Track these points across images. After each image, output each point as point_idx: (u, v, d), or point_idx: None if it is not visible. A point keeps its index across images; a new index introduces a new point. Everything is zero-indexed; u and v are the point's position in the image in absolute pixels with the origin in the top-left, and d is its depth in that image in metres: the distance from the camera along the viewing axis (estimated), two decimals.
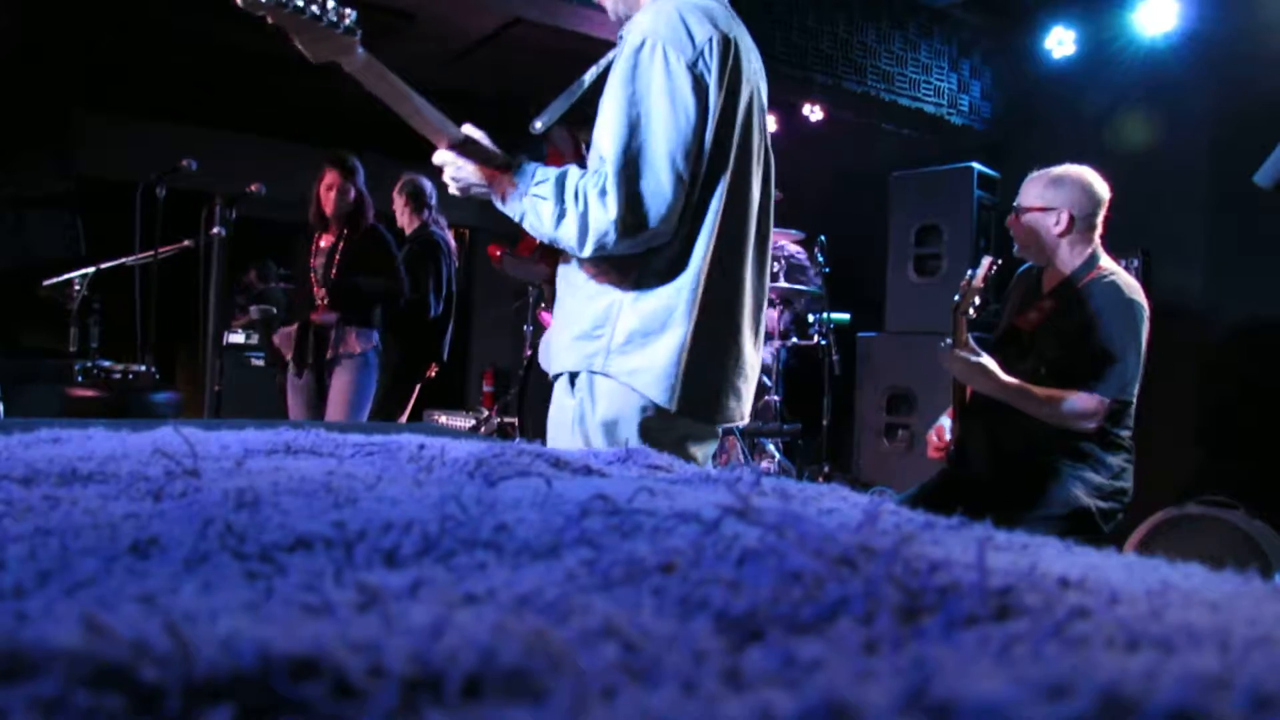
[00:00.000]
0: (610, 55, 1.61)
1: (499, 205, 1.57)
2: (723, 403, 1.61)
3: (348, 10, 1.41)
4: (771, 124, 6.11)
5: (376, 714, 0.30)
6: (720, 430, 1.68)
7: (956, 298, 2.41)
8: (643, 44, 1.47)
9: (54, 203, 5.80)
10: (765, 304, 1.71)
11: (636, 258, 1.53)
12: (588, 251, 1.49)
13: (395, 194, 4.36)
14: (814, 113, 5.76)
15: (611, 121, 1.47)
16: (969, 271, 2.43)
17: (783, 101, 5.90)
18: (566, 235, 1.49)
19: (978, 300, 2.40)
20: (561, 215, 1.48)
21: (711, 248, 1.54)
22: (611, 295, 1.56)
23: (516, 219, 1.55)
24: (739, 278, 1.60)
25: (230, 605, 0.39)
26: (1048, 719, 0.28)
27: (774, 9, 4.39)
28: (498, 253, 1.67)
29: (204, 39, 5.24)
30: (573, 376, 1.61)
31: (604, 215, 1.45)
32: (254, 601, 0.40)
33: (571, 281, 1.63)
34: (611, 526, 0.54)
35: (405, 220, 4.38)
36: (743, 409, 1.67)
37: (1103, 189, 2.45)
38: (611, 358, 1.54)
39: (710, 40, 1.48)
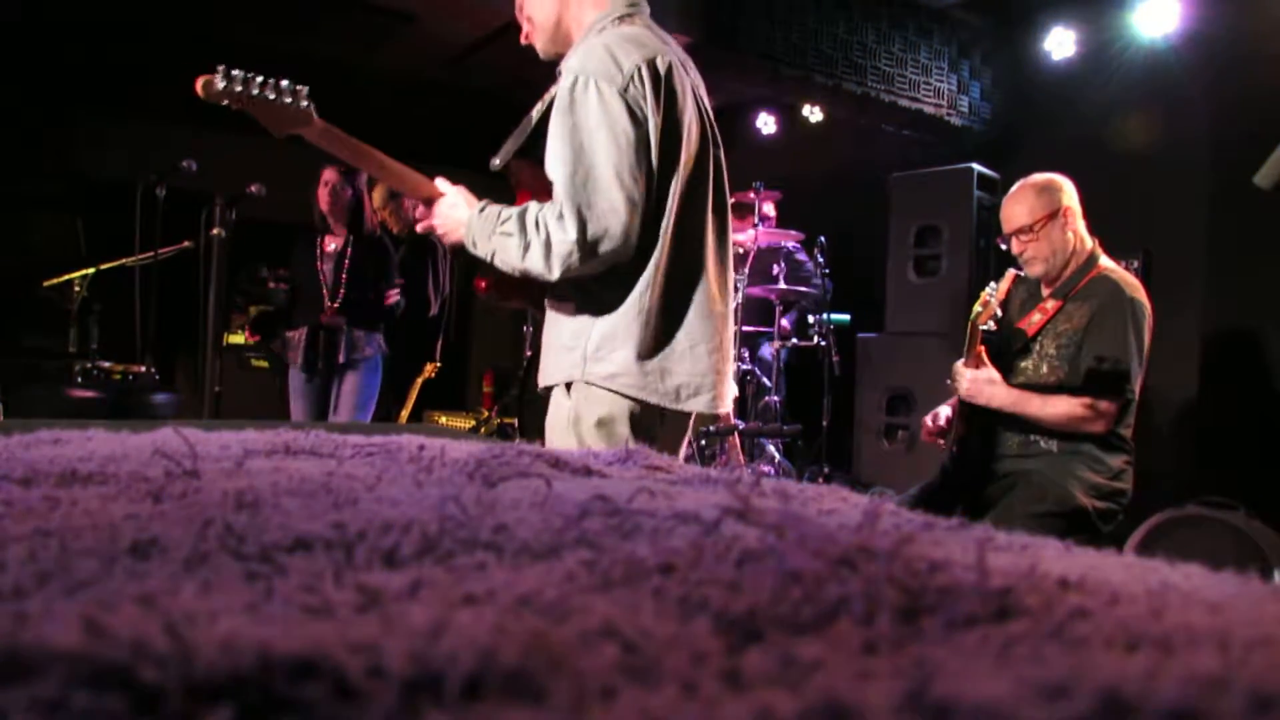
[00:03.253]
0: (552, 92, 1.72)
1: (471, 249, 1.68)
2: (709, 389, 1.71)
3: (301, 88, 1.58)
4: (771, 124, 6.16)
5: (376, 715, 0.30)
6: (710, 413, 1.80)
7: (977, 309, 2.39)
8: (575, 81, 1.60)
9: (54, 203, 5.80)
10: (732, 291, 1.84)
11: (603, 273, 1.63)
12: (555, 273, 1.59)
13: (399, 198, 4.36)
14: (814, 113, 5.76)
15: (558, 153, 1.60)
16: (990, 285, 2.40)
17: (783, 101, 5.90)
18: (534, 262, 1.59)
19: (999, 313, 2.39)
20: (527, 246, 1.60)
21: (667, 251, 1.65)
22: (584, 307, 1.68)
23: (488, 259, 1.66)
24: (703, 274, 1.71)
25: (230, 606, 0.39)
26: (1047, 719, 0.28)
27: (774, 9, 4.38)
28: (484, 284, 1.77)
29: (205, 39, 5.24)
30: (567, 386, 1.72)
31: (564, 236, 1.56)
32: (254, 602, 0.40)
33: (552, 304, 1.77)
34: (611, 527, 0.54)
35: (397, 223, 4.38)
36: (730, 389, 1.79)
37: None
38: (589, 364, 1.66)
39: (638, 67, 1.59)
